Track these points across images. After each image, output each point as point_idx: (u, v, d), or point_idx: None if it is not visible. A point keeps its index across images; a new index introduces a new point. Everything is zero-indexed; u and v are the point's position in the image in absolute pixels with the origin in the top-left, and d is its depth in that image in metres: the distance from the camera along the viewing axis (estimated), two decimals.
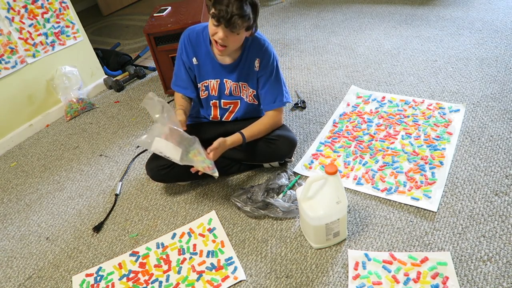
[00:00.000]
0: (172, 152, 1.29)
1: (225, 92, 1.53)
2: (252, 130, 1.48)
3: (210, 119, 1.62)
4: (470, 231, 1.27)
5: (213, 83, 1.51)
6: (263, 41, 1.45)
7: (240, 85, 1.51)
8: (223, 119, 1.61)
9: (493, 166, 1.49)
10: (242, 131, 1.46)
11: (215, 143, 1.38)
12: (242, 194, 1.49)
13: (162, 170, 1.52)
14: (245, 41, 1.41)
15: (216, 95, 1.54)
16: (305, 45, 2.66)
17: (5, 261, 1.50)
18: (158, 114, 1.24)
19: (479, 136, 1.64)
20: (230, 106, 1.57)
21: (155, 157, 1.54)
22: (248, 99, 1.54)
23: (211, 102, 1.57)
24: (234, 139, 1.44)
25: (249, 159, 1.60)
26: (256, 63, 1.45)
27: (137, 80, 2.62)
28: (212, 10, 1.24)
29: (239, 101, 1.56)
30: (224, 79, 1.50)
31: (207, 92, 1.54)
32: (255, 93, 1.53)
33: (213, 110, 1.59)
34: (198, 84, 1.54)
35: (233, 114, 1.59)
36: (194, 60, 1.48)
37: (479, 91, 1.90)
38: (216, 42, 1.31)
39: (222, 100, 1.55)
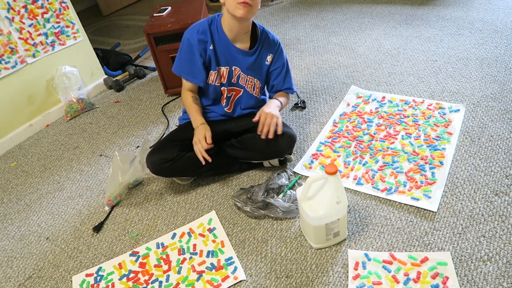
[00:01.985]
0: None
1: (232, 80, 1.57)
2: (279, 98, 1.60)
3: (214, 103, 1.64)
4: (470, 231, 1.27)
5: (223, 70, 1.55)
6: (276, 40, 1.58)
7: (248, 78, 1.57)
8: (225, 109, 1.62)
9: (493, 166, 1.49)
10: (275, 98, 1.60)
11: (264, 111, 1.49)
12: (242, 194, 1.49)
13: (165, 163, 1.51)
14: (260, 34, 1.53)
15: (225, 82, 1.57)
16: (305, 45, 2.66)
17: (5, 261, 1.50)
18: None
19: (479, 136, 1.64)
20: (232, 94, 1.60)
21: (157, 150, 1.55)
22: (252, 90, 1.60)
23: (220, 89, 1.59)
24: (276, 103, 1.56)
25: (250, 157, 1.60)
26: (269, 58, 1.56)
27: (137, 80, 2.63)
28: None
29: (242, 90, 1.60)
30: (233, 67, 1.54)
31: (217, 80, 1.56)
32: (261, 85, 1.61)
33: (222, 94, 1.61)
34: (212, 71, 1.55)
35: (233, 104, 1.63)
36: (211, 46, 1.50)
37: (479, 91, 1.90)
38: (241, 3, 1.34)
39: (228, 88, 1.59)
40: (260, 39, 1.53)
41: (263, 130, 1.46)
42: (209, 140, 1.45)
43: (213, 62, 1.53)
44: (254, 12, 1.41)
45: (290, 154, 1.64)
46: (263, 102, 1.68)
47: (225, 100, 1.61)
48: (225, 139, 1.63)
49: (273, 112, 1.47)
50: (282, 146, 1.53)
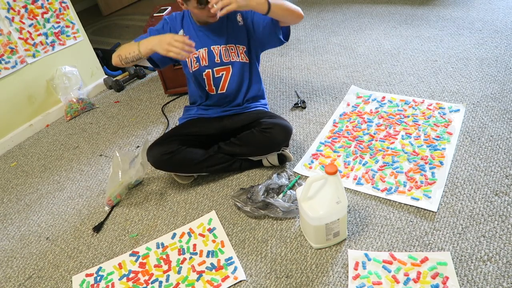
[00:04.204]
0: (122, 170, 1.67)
1: (215, 60, 1.57)
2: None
3: (207, 90, 1.64)
4: (470, 231, 1.27)
5: (202, 52, 1.56)
6: None
7: (228, 47, 1.56)
8: (218, 91, 1.63)
9: (493, 166, 1.49)
10: None
11: None
12: (242, 194, 1.49)
13: (164, 156, 1.52)
14: None
15: (208, 64, 1.57)
16: (305, 45, 2.66)
17: (5, 261, 1.50)
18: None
19: (479, 136, 1.64)
20: (223, 74, 1.60)
21: (157, 144, 1.56)
22: (240, 58, 1.58)
23: (204, 73, 1.59)
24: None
25: (248, 152, 1.60)
26: (239, 18, 1.53)
27: (137, 80, 2.63)
28: (192, 2, 1.35)
29: (230, 66, 1.59)
30: (212, 47, 1.55)
31: (198, 64, 1.58)
32: (245, 49, 1.58)
33: (207, 82, 1.62)
34: (188, 58, 1.57)
35: (227, 83, 1.62)
36: (181, 31, 1.54)
37: (479, 91, 1.90)
38: (211, 17, 1.42)
39: (214, 69, 1.59)
40: None
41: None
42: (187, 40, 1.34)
43: None
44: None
45: (287, 147, 1.62)
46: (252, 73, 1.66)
47: (212, 83, 1.61)
48: (224, 138, 1.63)
49: None
50: (278, 138, 1.53)
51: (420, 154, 1.59)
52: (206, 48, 1.56)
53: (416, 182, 1.47)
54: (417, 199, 1.40)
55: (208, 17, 1.43)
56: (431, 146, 1.61)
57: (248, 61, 1.61)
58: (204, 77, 1.60)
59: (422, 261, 1.20)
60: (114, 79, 2.56)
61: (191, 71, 1.60)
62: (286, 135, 1.55)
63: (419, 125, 1.74)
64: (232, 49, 1.57)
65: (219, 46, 1.55)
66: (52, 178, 1.88)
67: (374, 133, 1.74)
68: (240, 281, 1.26)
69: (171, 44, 1.32)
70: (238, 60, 1.58)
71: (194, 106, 1.71)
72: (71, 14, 2.29)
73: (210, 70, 1.59)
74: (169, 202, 1.60)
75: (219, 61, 1.57)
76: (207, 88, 1.63)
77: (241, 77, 1.62)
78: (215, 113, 1.66)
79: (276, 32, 1.48)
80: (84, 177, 1.85)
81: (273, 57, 2.58)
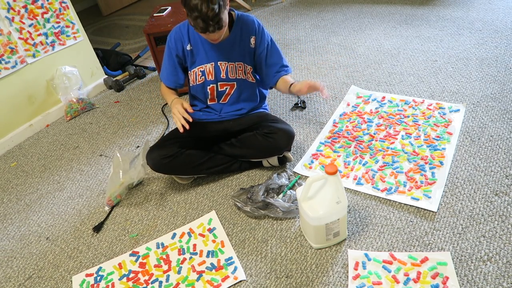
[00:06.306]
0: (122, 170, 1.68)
1: (221, 75, 1.57)
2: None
3: (208, 102, 1.64)
4: (470, 231, 1.27)
5: (208, 67, 1.55)
6: (252, 19, 1.55)
7: (237, 65, 1.56)
8: (220, 102, 1.64)
9: (493, 166, 1.49)
10: (292, 84, 1.53)
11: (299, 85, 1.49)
12: (242, 194, 1.49)
13: (164, 159, 1.52)
14: (237, 18, 1.51)
15: (213, 79, 1.57)
16: (305, 45, 2.66)
17: (5, 261, 1.50)
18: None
19: (479, 136, 1.64)
20: (227, 88, 1.60)
21: (157, 147, 1.56)
22: (247, 77, 1.60)
23: (208, 87, 1.59)
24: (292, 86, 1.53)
25: (249, 154, 1.60)
26: (252, 41, 1.54)
27: (137, 80, 2.63)
28: (193, 26, 1.34)
29: (235, 83, 1.59)
30: (219, 62, 1.54)
31: (203, 77, 1.57)
32: (252, 69, 1.60)
33: (210, 94, 1.62)
34: (192, 70, 1.58)
35: (229, 96, 1.62)
36: (188, 46, 1.53)
37: (479, 91, 1.90)
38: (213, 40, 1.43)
39: (219, 83, 1.59)
40: (237, 23, 1.51)
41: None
42: (188, 107, 1.46)
43: (192, 61, 1.55)
44: (223, 34, 1.42)
45: (289, 151, 1.63)
46: (260, 90, 1.69)
47: (215, 95, 1.62)
48: (225, 139, 1.63)
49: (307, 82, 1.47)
50: (280, 142, 1.53)
51: (420, 154, 1.59)
52: (213, 63, 1.55)
53: (416, 182, 1.47)
54: (417, 199, 1.40)
55: (208, 39, 1.42)
56: (431, 146, 1.61)
57: (254, 81, 1.62)
58: (208, 90, 1.60)
59: (422, 261, 1.20)
60: (114, 79, 2.56)
61: (194, 84, 1.60)
62: (289, 141, 1.55)
63: (419, 125, 1.74)
64: (240, 67, 1.57)
65: (226, 62, 1.54)
66: (52, 178, 1.88)
67: (374, 133, 1.74)
68: (240, 281, 1.26)
69: (174, 113, 1.47)
70: (244, 78, 1.59)
71: (196, 110, 1.70)
72: (71, 14, 2.29)
73: (214, 85, 1.59)
74: (169, 202, 1.60)
75: (224, 77, 1.57)
76: (208, 100, 1.64)
77: (245, 95, 1.63)
78: (216, 118, 1.66)
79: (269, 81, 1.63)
80: (84, 177, 1.85)
81: None
